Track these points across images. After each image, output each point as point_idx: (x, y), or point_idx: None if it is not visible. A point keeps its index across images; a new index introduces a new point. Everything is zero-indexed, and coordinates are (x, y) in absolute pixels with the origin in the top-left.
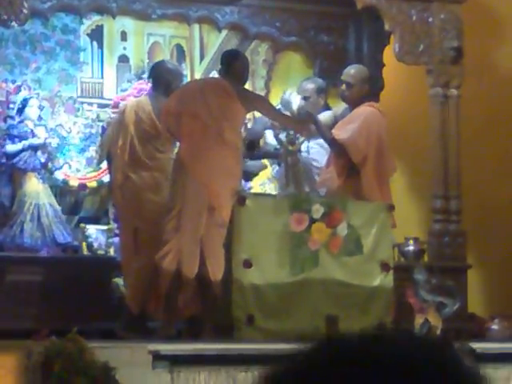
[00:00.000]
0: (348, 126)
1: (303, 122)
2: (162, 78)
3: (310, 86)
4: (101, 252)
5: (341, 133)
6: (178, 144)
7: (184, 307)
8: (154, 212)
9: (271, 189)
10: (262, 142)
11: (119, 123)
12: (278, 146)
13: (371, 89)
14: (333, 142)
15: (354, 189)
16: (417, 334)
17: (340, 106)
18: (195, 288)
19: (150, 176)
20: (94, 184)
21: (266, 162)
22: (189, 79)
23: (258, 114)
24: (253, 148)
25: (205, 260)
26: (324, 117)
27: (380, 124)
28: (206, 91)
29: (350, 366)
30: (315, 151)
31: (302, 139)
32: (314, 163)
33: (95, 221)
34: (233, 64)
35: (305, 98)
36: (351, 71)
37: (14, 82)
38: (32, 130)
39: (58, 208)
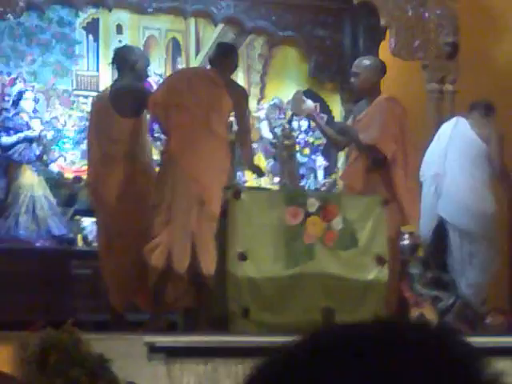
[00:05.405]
0: (372, 123)
1: (249, 155)
2: (125, 59)
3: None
4: (96, 244)
5: (368, 134)
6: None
7: (175, 300)
8: (123, 208)
9: (266, 182)
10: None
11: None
12: (274, 140)
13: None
14: (365, 147)
15: (382, 183)
16: (408, 321)
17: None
18: (188, 281)
19: (116, 171)
20: None
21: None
22: None
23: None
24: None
25: (196, 254)
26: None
27: (401, 116)
28: (193, 81)
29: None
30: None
31: (297, 133)
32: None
33: (90, 213)
34: (229, 56)
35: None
36: (356, 61)
37: (9, 74)
38: (27, 123)
39: (53, 200)
